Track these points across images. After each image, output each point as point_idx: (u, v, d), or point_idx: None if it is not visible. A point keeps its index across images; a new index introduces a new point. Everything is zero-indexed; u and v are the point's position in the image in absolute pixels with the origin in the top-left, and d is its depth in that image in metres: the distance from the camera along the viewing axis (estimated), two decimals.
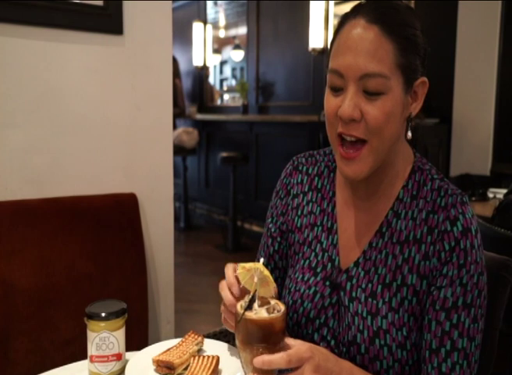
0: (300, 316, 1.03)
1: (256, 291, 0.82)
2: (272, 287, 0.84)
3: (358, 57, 0.88)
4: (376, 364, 0.94)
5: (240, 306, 0.79)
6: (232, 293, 0.92)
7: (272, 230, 1.14)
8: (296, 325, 1.05)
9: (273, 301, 0.81)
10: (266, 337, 0.75)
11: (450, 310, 0.90)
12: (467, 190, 3.11)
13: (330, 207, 1.08)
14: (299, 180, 1.13)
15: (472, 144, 4.38)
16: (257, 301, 0.80)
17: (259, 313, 0.78)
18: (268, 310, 0.79)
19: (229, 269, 0.95)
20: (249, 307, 0.78)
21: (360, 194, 1.04)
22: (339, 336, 0.99)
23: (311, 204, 1.10)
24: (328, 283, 1.02)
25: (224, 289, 0.94)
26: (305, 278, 1.05)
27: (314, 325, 1.02)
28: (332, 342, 1.00)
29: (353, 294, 0.98)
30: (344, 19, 0.94)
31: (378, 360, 0.94)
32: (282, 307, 0.80)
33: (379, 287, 0.97)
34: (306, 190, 1.11)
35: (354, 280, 0.99)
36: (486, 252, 1.13)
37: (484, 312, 0.93)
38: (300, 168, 1.14)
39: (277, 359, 0.76)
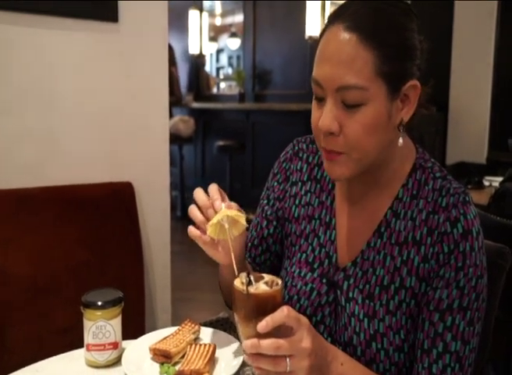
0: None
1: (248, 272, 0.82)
2: (243, 220, 0.88)
3: (335, 68, 0.85)
4: (372, 367, 0.93)
5: (241, 283, 0.79)
6: (202, 213, 0.91)
7: (268, 212, 1.12)
8: None
9: (267, 276, 0.81)
10: (269, 310, 0.76)
11: (445, 312, 0.89)
12: (463, 178, 3.11)
13: (329, 200, 1.06)
14: (298, 168, 1.10)
15: (468, 132, 4.38)
16: (252, 277, 0.80)
17: (259, 288, 0.79)
18: (267, 284, 0.79)
19: (199, 193, 0.93)
20: (249, 283, 0.79)
21: (356, 191, 1.01)
22: (335, 334, 0.98)
23: (309, 194, 1.08)
24: (324, 280, 1.01)
25: (193, 211, 0.92)
26: (302, 273, 1.03)
27: (311, 322, 1.00)
28: (329, 340, 0.99)
29: (350, 295, 0.97)
30: (326, 24, 0.90)
31: (374, 363, 0.92)
32: (278, 279, 0.81)
33: (377, 288, 0.95)
34: (305, 179, 1.09)
35: (352, 280, 0.98)
36: None
37: (482, 315, 0.91)
38: (301, 155, 1.11)
39: (277, 313, 0.75)
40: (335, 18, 0.88)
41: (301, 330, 0.77)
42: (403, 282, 0.94)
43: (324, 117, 0.87)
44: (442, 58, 4.42)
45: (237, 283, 0.80)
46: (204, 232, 0.91)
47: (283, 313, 0.75)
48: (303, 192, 1.09)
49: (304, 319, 0.79)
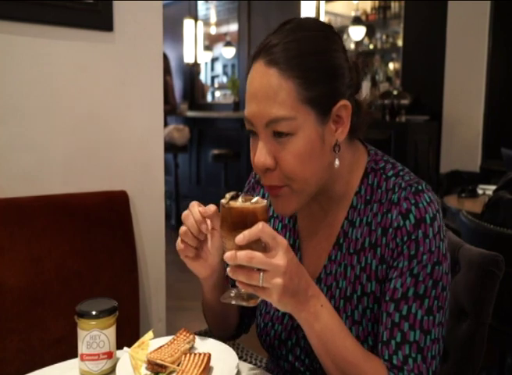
0: (272, 338, 1.03)
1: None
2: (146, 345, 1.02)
3: (261, 104, 0.87)
4: None
5: (225, 199, 0.84)
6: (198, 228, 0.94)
7: None
8: (270, 347, 1.05)
9: (256, 198, 0.85)
10: (249, 225, 0.80)
11: (400, 301, 0.88)
12: (457, 186, 3.13)
13: (291, 223, 1.07)
14: (261, 195, 1.12)
15: (462, 141, 4.41)
16: (240, 198, 0.84)
17: (244, 205, 0.83)
18: (251, 203, 0.84)
19: (195, 206, 0.96)
20: (234, 198, 0.84)
21: (315, 210, 1.02)
22: (312, 354, 0.96)
23: (272, 219, 1.10)
24: None
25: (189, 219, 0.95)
26: None
27: (287, 346, 1.02)
28: (307, 361, 1.00)
29: None
30: (251, 61, 0.92)
31: None
32: (264, 201, 0.85)
33: (341, 301, 0.96)
34: (268, 205, 1.11)
35: None
36: (475, 248, 1.14)
37: (443, 304, 0.89)
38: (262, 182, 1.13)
39: (254, 228, 0.78)
40: (256, 54, 0.90)
41: (277, 247, 0.79)
42: (364, 289, 0.94)
43: (258, 154, 0.90)
44: (436, 67, 4.45)
45: (223, 199, 0.85)
46: (187, 245, 0.96)
47: (258, 228, 0.78)
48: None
49: (281, 239, 0.80)
